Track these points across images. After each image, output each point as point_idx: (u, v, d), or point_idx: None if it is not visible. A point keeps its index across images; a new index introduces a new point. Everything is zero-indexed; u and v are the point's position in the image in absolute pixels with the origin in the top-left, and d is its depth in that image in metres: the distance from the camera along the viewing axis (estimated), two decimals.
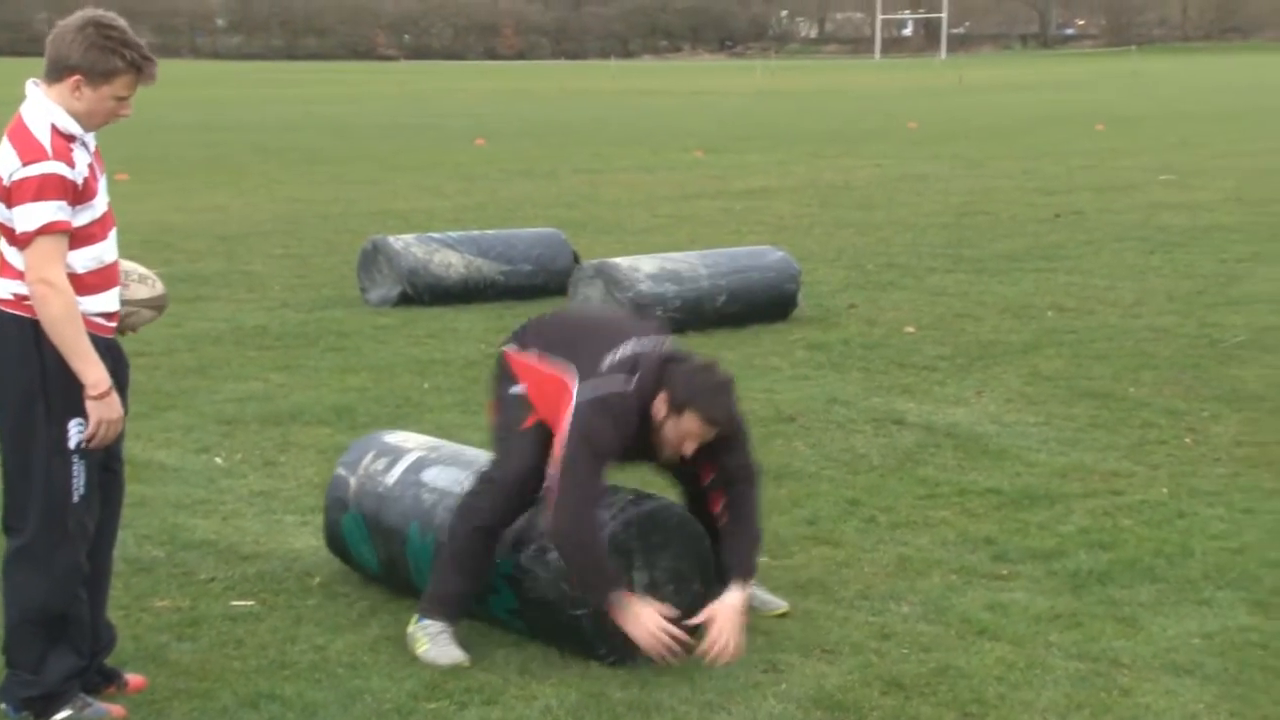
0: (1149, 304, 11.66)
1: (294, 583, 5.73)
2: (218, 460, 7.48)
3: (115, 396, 4.35)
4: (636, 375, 4.89)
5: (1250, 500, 6.67)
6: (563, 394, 4.95)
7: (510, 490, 4.98)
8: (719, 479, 5.11)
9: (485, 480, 5.07)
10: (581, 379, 4.91)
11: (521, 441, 5.03)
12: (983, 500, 6.72)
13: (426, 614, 5.02)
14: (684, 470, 5.21)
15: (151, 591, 5.62)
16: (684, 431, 4.87)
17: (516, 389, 5.14)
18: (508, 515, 4.99)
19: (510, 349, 5.23)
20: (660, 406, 4.88)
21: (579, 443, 4.79)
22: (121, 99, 4.35)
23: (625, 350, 4.96)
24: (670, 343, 5.14)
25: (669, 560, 5.02)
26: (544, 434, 5.03)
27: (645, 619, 4.77)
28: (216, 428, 8.09)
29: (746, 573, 5.02)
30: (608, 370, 4.91)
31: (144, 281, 4.71)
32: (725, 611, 4.89)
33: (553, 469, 4.84)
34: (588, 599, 4.81)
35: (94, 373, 4.29)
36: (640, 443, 4.95)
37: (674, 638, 4.79)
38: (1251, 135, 29.75)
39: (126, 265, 4.66)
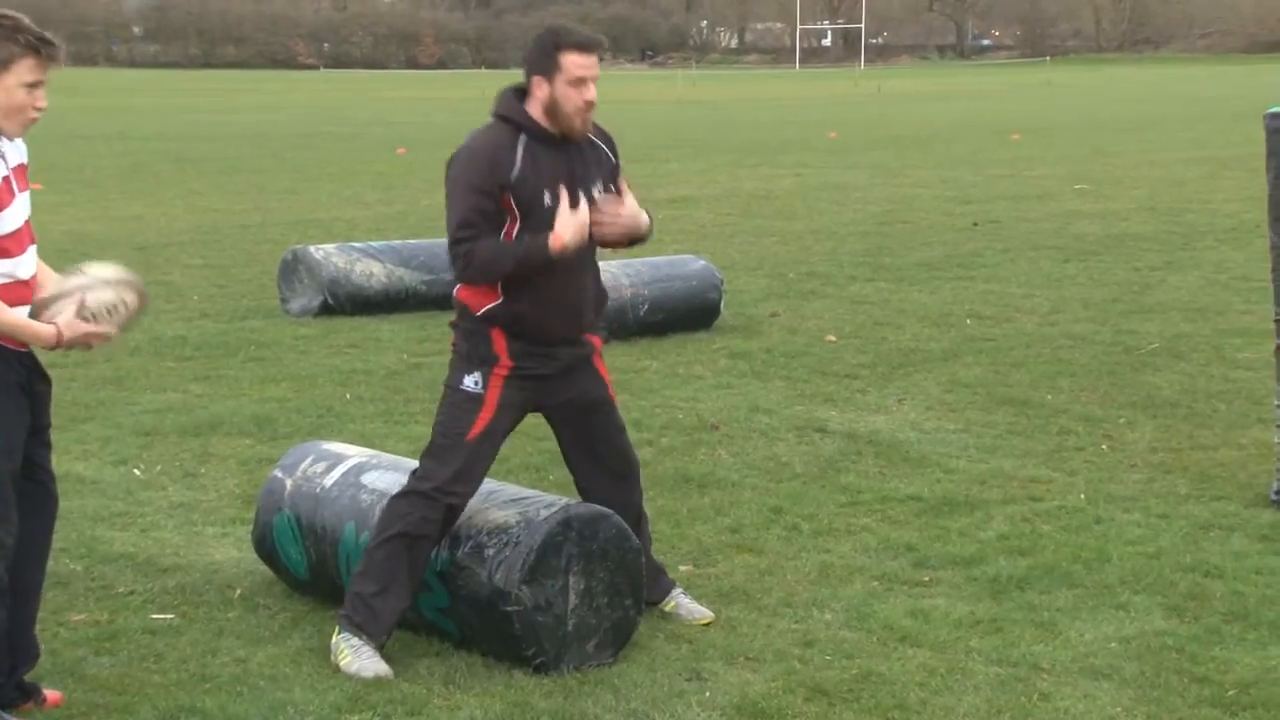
0: (1065, 312, 11.81)
1: (214, 595, 5.68)
2: (136, 472, 7.40)
3: (74, 322, 4.36)
4: (493, 116, 5.04)
5: (1165, 505, 6.77)
6: None
7: (439, 499, 4.92)
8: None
9: (413, 486, 5.00)
10: None
11: (462, 451, 4.97)
12: (904, 507, 6.77)
13: (347, 627, 4.98)
14: (580, 462, 5.29)
15: (69, 605, 5.55)
16: (571, 78, 4.96)
17: (470, 379, 5.01)
18: (433, 525, 4.93)
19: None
20: (538, 90, 4.99)
21: (450, 185, 4.92)
22: (30, 86, 4.28)
23: None
24: None
25: (606, 573, 5.03)
26: (488, 443, 5.00)
27: (570, 222, 4.90)
28: (135, 439, 8.00)
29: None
30: None
31: (113, 313, 4.53)
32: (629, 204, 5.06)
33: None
34: (532, 268, 4.88)
35: (40, 334, 4.33)
36: (543, 152, 4.98)
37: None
38: (1163, 145, 30.18)
39: (96, 298, 4.47)
